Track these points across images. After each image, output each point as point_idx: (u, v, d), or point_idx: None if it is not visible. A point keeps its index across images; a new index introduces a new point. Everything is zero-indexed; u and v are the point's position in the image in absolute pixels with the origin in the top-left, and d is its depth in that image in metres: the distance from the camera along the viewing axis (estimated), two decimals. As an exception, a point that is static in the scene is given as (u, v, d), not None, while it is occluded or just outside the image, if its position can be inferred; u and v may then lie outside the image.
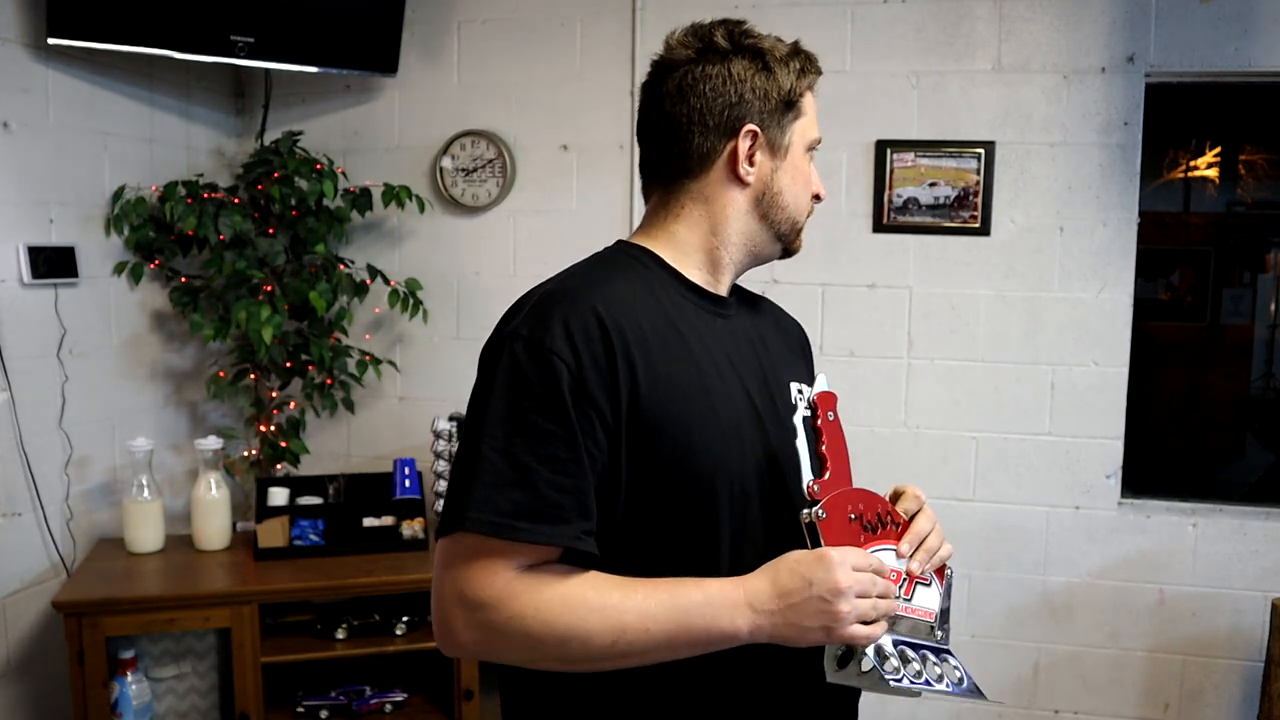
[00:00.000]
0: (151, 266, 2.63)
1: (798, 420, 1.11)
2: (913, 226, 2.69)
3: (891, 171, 2.68)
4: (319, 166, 2.75)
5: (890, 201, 2.69)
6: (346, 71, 2.83)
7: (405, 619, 2.51)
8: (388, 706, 2.52)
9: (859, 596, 0.99)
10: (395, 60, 2.81)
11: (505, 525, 0.97)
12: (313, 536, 2.59)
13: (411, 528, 2.62)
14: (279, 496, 2.66)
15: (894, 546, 1.08)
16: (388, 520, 2.64)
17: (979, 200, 2.64)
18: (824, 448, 1.09)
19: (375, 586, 2.43)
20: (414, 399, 2.99)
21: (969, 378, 2.70)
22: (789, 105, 1.14)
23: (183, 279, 2.67)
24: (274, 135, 2.84)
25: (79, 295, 2.48)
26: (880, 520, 1.08)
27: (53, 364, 2.42)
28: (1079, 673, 2.71)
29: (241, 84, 2.98)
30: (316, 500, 2.70)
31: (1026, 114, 2.62)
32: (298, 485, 2.72)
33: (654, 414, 1.02)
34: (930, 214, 2.67)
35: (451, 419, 2.76)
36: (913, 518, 1.11)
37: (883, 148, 2.68)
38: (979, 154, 2.63)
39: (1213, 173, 3.78)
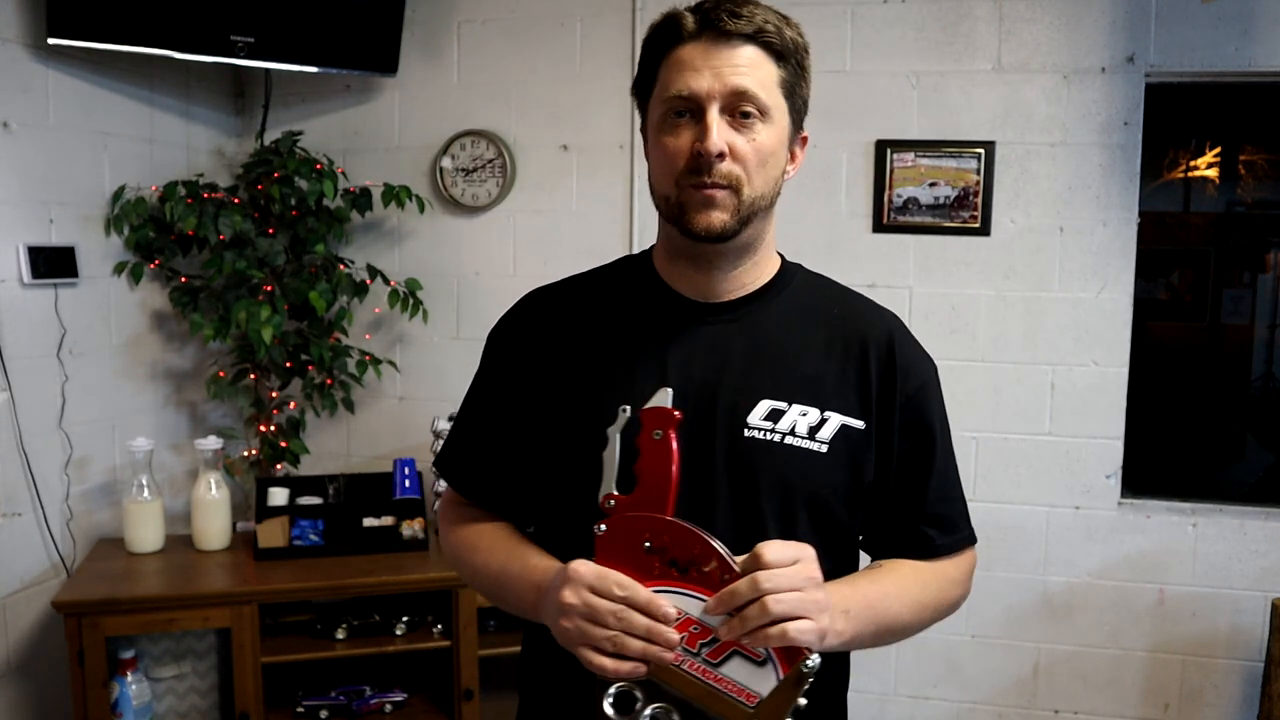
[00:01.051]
0: (151, 266, 2.63)
1: (611, 431, 1.01)
2: (913, 226, 2.69)
3: (891, 171, 2.68)
4: (319, 166, 2.74)
5: (890, 201, 2.69)
6: (346, 71, 2.83)
7: (405, 619, 2.51)
8: (388, 706, 2.52)
9: (589, 621, 0.93)
10: (395, 60, 2.80)
11: (445, 469, 1.24)
12: (313, 536, 2.59)
13: (411, 528, 2.62)
14: (279, 496, 2.66)
15: (705, 597, 0.95)
16: (388, 520, 2.64)
17: (979, 200, 2.64)
18: (636, 466, 0.99)
19: (375, 586, 2.42)
20: (414, 399, 2.99)
21: (969, 378, 2.70)
22: (648, 81, 1.09)
23: (183, 279, 2.67)
24: (274, 135, 2.84)
25: (79, 295, 2.48)
26: (695, 563, 0.95)
27: (53, 364, 2.42)
28: (1079, 673, 2.71)
29: (241, 84, 2.98)
30: (316, 500, 2.70)
31: (1026, 114, 2.62)
32: (298, 485, 2.72)
33: (543, 393, 1.13)
34: (930, 214, 2.67)
35: (451, 419, 2.76)
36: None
37: (883, 148, 2.68)
38: (979, 154, 2.63)
39: (1213, 173, 3.77)
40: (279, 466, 2.82)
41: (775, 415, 1.07)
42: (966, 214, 2.65)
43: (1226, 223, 3.80)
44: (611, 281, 1.20)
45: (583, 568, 0.96)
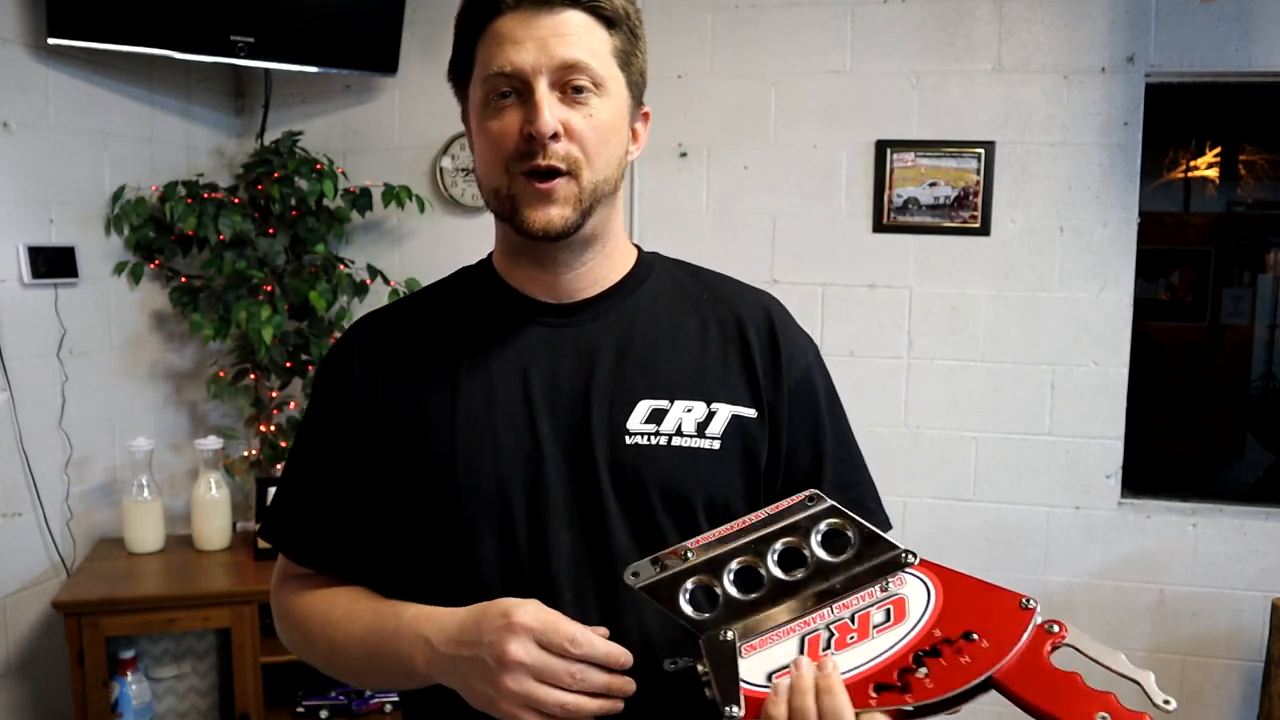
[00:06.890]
0: (151, 266, 2.63)
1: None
2: (913, 226, 2.69)
3: (891, 171, 2.68)
4: (319, 166, 2.74)
5: (890, 201, 2.69)
6: (346, 71, 2.83)
7: (405, 619, 2.51)
8: (388, 706, 2.51)
9: (541, 681, 0.81)
10: (395, 60, 2.80)
11: (275, 535, 1.05)
12: (313, 536, 2.58)
13: (411, 528, 2.61)
14: (279, 496, 2.66)
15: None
16: (388, 520, 2.64)
17: (979, 200, 2.64)
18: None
19: (375, 586, 2.42)
20: (414, 399, 2.99)
21: (969, 378, 2.70)
22: (465, 61, 0.96)
23: (183, 279, 2.67)
24: (274, 135, 2.84)
25: (79, 295, 2.48)
26: None
27: (53, 364, 2.42)
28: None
29: (241, 84, 2.98)
30: (316, 500, 2.70)
31: (1026, 114, 2.62)
32: (298, 485, 2.72)
33: (388, 439, 0.97)
34: (930, 214, 2.67)
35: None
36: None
37: (883, 148, 2.68)
38: (979, 154, 2.63)
39: (1213, 173, 3.77)
40: (279, 466, 2.82)
41: (658, 415, 0.95)
42: (966, 214, 2.66)
43: (1226, 223, 3.80)
44: (452, 296, 1.04)
45: (526, 616, 0.82)
